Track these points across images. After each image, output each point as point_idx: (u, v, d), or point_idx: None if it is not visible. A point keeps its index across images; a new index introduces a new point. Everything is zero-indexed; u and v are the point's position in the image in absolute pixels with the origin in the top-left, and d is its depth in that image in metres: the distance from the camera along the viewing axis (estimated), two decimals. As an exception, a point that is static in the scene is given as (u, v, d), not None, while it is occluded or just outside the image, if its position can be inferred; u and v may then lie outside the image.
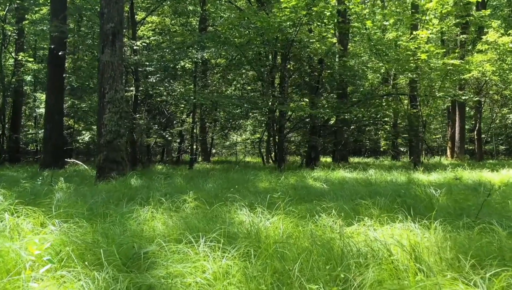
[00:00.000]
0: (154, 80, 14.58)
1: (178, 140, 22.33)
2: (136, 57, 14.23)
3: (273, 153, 18.23)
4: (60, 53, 13.97)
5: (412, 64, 12.29)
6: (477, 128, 22.64)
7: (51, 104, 14.40)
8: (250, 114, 18.79)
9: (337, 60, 17.04)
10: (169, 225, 3.65)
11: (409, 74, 12.33)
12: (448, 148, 24.24)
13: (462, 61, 12.33)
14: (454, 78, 13.32)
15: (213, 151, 28.66)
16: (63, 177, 10.51)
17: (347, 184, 8.25)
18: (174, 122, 22.27)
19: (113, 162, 8.35)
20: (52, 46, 14.43)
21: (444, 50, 13.03)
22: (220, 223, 3.75)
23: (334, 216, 4.25)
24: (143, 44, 14.32)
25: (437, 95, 12.38)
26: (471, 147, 26.70)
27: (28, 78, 23.36)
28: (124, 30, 19.35)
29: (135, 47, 14.25)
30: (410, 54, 12.04)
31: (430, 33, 12.19)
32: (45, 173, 12.35)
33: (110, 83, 8.41)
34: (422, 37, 11.53)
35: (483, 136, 25.52)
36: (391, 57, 13.49)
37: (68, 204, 4.52)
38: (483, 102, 22.87)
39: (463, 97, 13.21)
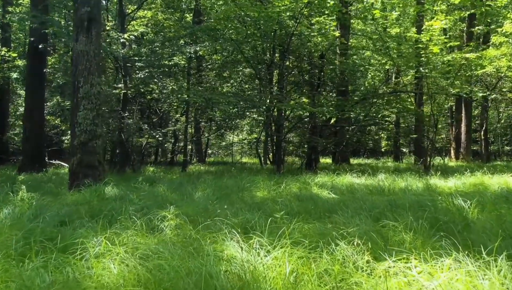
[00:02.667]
0: (142, 76, 13.46)
1: (172, 140, 21.28)
2: (123, 50, 13.12)
3: (271, 154, 17.18)
4: (40, 46, 12.85)
5: (423, 58, 11.25)
6: (483, 128, 21.62)
7: (30, 102, 13.28)
8: (248, 113, 17.70)
9: (338, 54, 15.98)
10: (128, 267, 2.58)
11: (421, 68, 11.29)
12: (452, 148, 23.24)
13: (479, 55, 11.31)
14: (467, 74, 12.32)
15: (209, 151, 27.61)
16: (39, 183, 9.46)
17: (357, 192, 7.20)
18: (170, 122, 21.14)
19: (88, 167, 7.26)
20: (32, 39, 13.31)
21: (459, 43, 12.02)
22: (201, 260, 2.67)
23: (355, 246, 3.18)
24: (130, 36, 13.20)
25: (452, 91, 11.37)
26: (475, 148, 25.72)
27: (14, 75, 22.21)
28: (113, 23, 18.30)
29: (121, 40, 13.14)
30: (421, 47, 11.00)
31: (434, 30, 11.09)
32: (21, 177, 11.26)
33: (85, 76, 7.31)
34: (435, 28, 10.50)
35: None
36: (399, 51, 12.45)
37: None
38: (490, 101, 21.86)
39: (480, 94, 12.20)
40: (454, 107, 23.04)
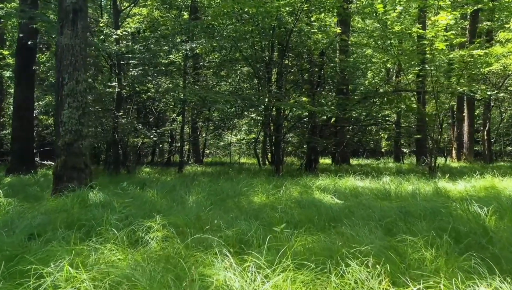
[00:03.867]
0: (135, 73, 12.93)
1: (169, 140, 20.80)
2: (115, 47, 12.59)
3: (270, 154, 16.70)
4: (29, 43, 12.33)
5: (428, 55, 10.77)
6: (487, 128, 21.16)
7: (19, 100, 12.73)
8: (246, 113, 17.20)
9: (338, 52, 15.48)
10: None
11: (426, 66, 10.81)
12: (453, 149, 22.80)
13: (487, 51, 10.84)
14: (473, 72, 11.84)
15: (207, 151, 27.16)
16: (24, 185, 8.96)
17: (362, 196, 6.72)
18: (167, 122, 20.61)
19: (73, 170, 6.75)
20: (21, 35, 12.79)
21: (465, 39, 11.53)
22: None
23: (370, 268, 2.70)
24: (123, 32, 12.67)
25: (459, 90, 10.89)
26: (476, 148, 25.27)
27: (8, 74, 21.69)
28: (106, 19, 17.76)
29: (114, 36, 12.62)
30: (427, 44, 10.52)
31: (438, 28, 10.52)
32: (7, 179, 10.74)
33: (70, 72, 6.81)
34: (441, 24, 10.02)
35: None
36: (402, 48, 11.97)
37: None
38: (493, 100, 21.40)
39: (488, 93, 11.73)
40: (455, 107, 22.61)
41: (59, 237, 3.67)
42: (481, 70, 12.06)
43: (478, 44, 10.85)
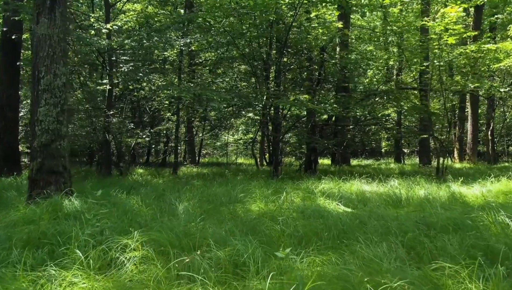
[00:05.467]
0: (126, 70, 12.24)
1: (165, 140, 20.16)
2: (104, 42, 11.88)
3: (268, 155, 16.07)
4: (13, 37, 11.62)
5: (436, 50, 10.15)
6: (491, 127, 20.56)
7: (2, 98, 12.01)
8: (243, 112, 16.53)
9: (338, 47, 14.82)
10: None
11: (435, 61, 10.18)
12: (455, 149, 22.19)
13: (499, 46, 10.24)
14: (482, 68, 11.24)
15: (204, 152, 26.51)
16: (0, 190, 8.27)
17: (370, 203, 6.07)
18: (163, 121, 19.98)
19: (50, 173, 6.06)
20: (5, 29, 12.07)
21: (477, 32, 10.92)
22: None
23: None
24: (113, 26, 11.97)
25: (471, 86, 10.26)
26: (478, 148, 24.65)
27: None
28: (98, 15, 17.05)
29: (104, 30, 11.92)
30: (435, 38, 9.89)
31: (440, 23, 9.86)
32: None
33: (47, 65, 6.14)
34: (451, 16, 9.41)
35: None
36: (409, 42, 11.35)
37: None
38: (498, 99, 20.80)
39: (501, 90, 11.12)
40: (456, 106, 22.02)
41: (14, 260, 3.00)
42: (491, 66, 11.45)
43: (488, 39, 10.23)
